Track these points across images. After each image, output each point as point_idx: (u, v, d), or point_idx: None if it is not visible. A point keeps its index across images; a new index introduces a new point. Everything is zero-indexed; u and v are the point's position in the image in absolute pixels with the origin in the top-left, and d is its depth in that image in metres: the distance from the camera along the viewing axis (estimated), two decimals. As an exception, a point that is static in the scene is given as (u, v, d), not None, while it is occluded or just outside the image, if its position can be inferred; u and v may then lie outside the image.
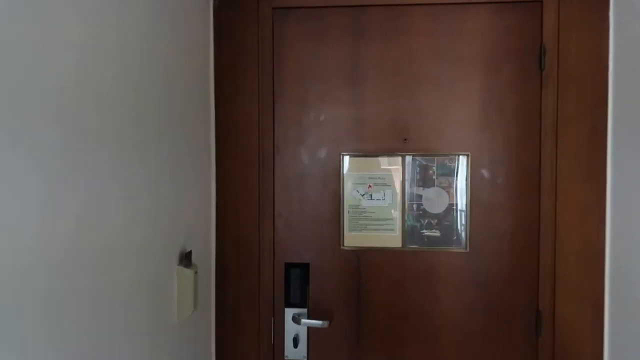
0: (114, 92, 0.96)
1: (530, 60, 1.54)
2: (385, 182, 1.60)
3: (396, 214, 1.59)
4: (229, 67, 1.60)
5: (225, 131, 1.62)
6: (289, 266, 1.63)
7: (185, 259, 1.34)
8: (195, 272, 1.31)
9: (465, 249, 1.58)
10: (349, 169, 1.60)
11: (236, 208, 1.63)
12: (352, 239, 1.61)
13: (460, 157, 1.57)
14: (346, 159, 1.60)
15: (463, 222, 1.58)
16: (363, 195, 1.60)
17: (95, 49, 0.88)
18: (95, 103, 0.88)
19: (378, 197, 1.60)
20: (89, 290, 0.87)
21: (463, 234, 1.58)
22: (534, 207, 1.55)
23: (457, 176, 1.57)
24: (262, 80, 1.60)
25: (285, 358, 1.63)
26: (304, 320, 1.59)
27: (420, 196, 1.59)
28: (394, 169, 1.59)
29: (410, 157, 1.58)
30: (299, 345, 1.63)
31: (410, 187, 1.59)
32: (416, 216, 1.59)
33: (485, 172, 1.57)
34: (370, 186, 1.60)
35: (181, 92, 1.32)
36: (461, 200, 1.58)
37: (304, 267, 1.63)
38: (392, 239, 1.60)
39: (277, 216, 1.63)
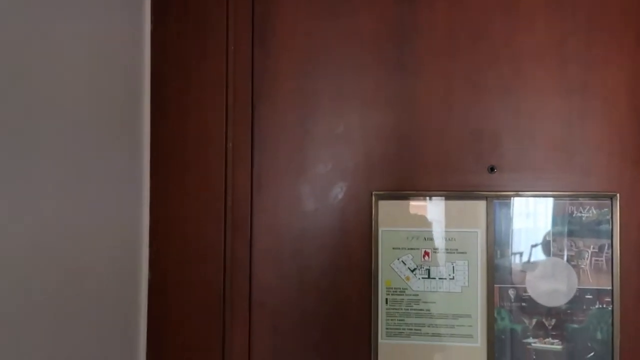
0: None
1: None
2: (455, 247, 0.87)
3: (477, 307, 0.85)
4: (174, 45, 0.91)
5: (164, 160, 0.91)
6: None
7: None
8: None
9: (614, 377, 0.83)
10: (388, 222, 0.88)
11: (180, 305, 0.90)
12: (393, 352, 0.87)
13: (601, 201, 0.84)
14: (382, 203, 0.88)
15: (608, 324, 0.83)
16: (414, 270, 0.87)
17: None
18: None
19: (442, 274, 0.87)
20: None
21: (609, 348, 0.83)
22: None
23: (593, 237, 0.84)
24: (233, 66, 0.90)
25: None
26: None
27: (523, 274, 0.85)
28: (473, 223, 0.86)
29: (503, 200, 0.86)
30: None
31: (504, 256, 0.85)
32: (516, 312, 0.85)
33: (648, 231, 0.83)
34: (427, 254, 0.87)
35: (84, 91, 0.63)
36: (602, 283, 0.84)
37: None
38: (468, 355, 0.86)
39: (257, 307, 0.90)
